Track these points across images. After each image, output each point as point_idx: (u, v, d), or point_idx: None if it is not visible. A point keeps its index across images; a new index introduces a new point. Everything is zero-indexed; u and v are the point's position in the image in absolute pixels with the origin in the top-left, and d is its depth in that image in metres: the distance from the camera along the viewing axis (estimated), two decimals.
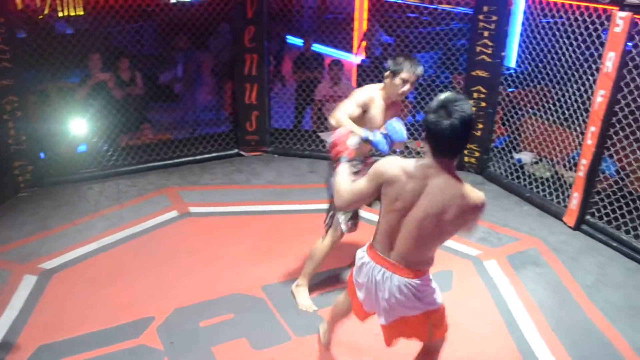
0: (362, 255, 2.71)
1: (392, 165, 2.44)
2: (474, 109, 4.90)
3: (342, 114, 3.50)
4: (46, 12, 5.96)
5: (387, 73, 3.55)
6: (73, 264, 4.32)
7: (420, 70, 3.52)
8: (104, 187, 5.63)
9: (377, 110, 3.63)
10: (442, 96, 2.31)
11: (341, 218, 3.78)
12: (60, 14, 7.97)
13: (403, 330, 2.73)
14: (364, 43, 7.59)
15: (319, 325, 3.51)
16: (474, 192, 2.36)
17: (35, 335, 3.55)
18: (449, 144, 2.30)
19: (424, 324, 2.68)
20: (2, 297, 3.91)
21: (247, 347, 3.50)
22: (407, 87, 3.53)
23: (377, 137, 3.30)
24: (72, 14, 8.68)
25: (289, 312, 3.80)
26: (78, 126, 5.99)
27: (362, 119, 3.59)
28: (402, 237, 2.50)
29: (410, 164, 2.42)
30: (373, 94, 3.64)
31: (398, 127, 3.27)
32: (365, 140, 3.29)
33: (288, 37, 9.71)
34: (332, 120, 3.54)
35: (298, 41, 9.46)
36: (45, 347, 3.45)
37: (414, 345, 2.90)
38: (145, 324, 3.67)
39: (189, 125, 6.93)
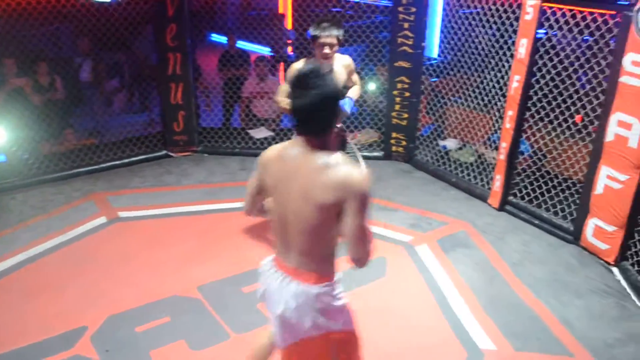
0: (264, 262, 2.44)
1: (268, 150, 2.31)
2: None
3: (277, 97, 4.07)
4: None
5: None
6: None
7: (334, 32, 3.84)
8: (27, 197, 5.41)
9: None
10: (302, 69, 2.16)
11: None
12: None
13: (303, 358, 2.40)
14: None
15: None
16: (346, 167, 2.08)
17: None
18: (310, 120, 2.10)
19: (325, 350, 2.35)
20: None
21: (186, 349, 3.46)
22: (326, 49, 3.89)
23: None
24: None
25: (226, 310, 3.79)
26: None
27: None
28: (291, 231, 2.20)
29: (284, 145, 2.25)
30: (300, 67, 3.84)
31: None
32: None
33: (212, 34, 9.62)
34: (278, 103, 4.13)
35: (222, 39, 9.38)
36: None
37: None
38: (79, 334, 3.57)
39: (114, 128, 6.75)
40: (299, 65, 4.00)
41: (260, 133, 6.62)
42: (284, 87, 4.01)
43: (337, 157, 2.10)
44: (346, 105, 4.13)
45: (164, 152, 6.33)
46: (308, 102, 2.06)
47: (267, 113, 6.74)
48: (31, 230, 4.78)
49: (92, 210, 5.13)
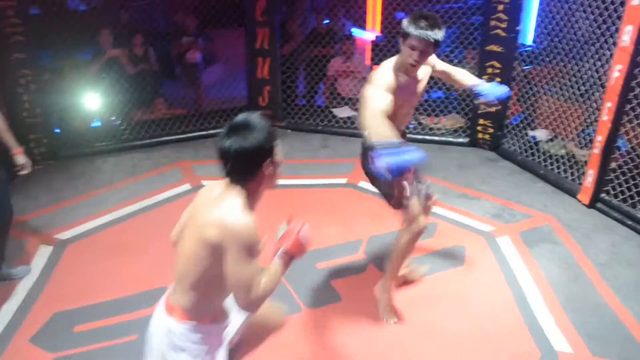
0: None
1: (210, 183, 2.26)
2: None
3: (377, 119, 2.83)
4: None
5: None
6: (87, 235, 4.39)
7: (433, 34, 2.85)
8: (118, 161, 5.68)
9: (402, 87, 3.06)
10: (239, 117, 2.08)
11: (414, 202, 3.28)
12: None
13: None
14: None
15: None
16: (231, 212, 1.98)
17: (50, 302, 3.62)
18: (224, 166, 2.04)
19: None
20: (19, 266, 3.97)
21: None
22: (414, 55, 2.92)
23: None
24: None
25: (299, 284, 3.82)
26: (92, 101, 6.03)
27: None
28: (177, 263, 2.15)
29: (220, 182, 2.14)
30: (392, 72, 3.05)
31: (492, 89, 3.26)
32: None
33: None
34: (366, 132, 2.87)
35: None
36: (61, 315, 3.52)
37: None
38: (159, 294, 3.65)
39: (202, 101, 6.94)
40: (390, 70, 3.05)
41: (343, 112, 6.60)
42: (385, 103, 2.91)
43: (239, 203, 2.02)
44: (489, 92, 3.29)
45: None
46: (225, 148, 1.99)
47: (352, 92, 6.70)
48: (119, 193, 5.02)
49: (177, 177, 5.31)
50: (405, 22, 2.90)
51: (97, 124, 6.20)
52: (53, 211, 4.73)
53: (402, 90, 3.05)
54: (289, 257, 2.20)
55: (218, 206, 2.00)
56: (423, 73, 3.23)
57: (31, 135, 5.42)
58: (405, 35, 2.91)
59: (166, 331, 2.16)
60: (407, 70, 3.05)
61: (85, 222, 4.54)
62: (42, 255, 4.11)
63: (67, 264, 4.03)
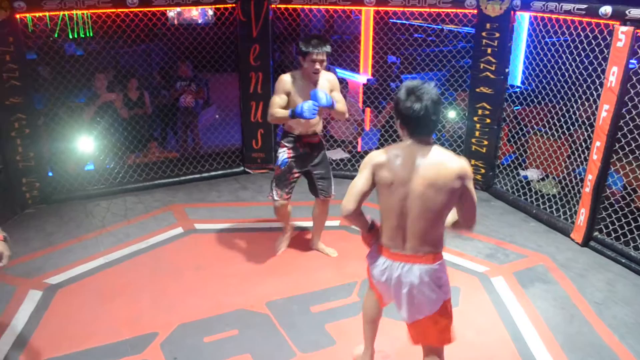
0: (376, 257, 2.78)
1: (378, 153, 2.65)
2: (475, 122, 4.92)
3: (272, 109, 4.11)
4: (51, 37, 6.06)
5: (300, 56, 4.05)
6: (78, 280, 4.33)
7: (325, 48, 3.98)
8: (110, 204, 5.65)
9: (298, 90, 4.11)
10: (407, 84, 2.55)
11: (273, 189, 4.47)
12: (70, 36, 8.10)
13: (425, 332, 2.78)
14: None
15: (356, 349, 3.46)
16: (456, 157, 2.58)
17: (39, 349, 3.54)
18: (425, 123, 2.52)
19: (445, 316, 2.75)
20: (8, 312, 3.91)
21: None
22: (317, 65, 4.02)
23: (297, 108, 3.91)
24: (82, 36, 8.85)
25: (293, 328, 3.77)
26: (85, 145, 6.05)
27: (290, 102, 4.13)
28: (412, 219, 2.58)
29: (393, 146, 2.64)
30: (290, 79, 4.14)
31: (320, 94, 3.90)
32: (292, 116, 3.96)
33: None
34: (269, 119, 4.22)
35: None
36: None
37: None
38: (149, 340, 3.65)
39: (195, 144, 6.98)
40: (287, 77, 4.15)
41: (336, 154, 6.64)
42: (278, 100, 4.10)
43: (445, 151, 2.58)
44: (322, 98, 3.95)
45: (241, 168, 6.47)
46: (428, 107, 2.48)
47: (344, 135, 6.76)
48: (112, 236, 4.98)
49: (170, 221, 5.29)
50: (301, 44, 4.00)
51: (90, 167, 6.21)
52: (44, 255, 4.68)
53: (299, 92, 4.11)
54: None
55: (447, 162, 2.52)
56: (324, 81, 4.18)
57: (24, 179, 5.42)
58: (305, 54, 3.99)
59: (427, 276, 2.64)
60: (308, 77, 4.10)
61: (77, 266, 4.49)
62: (31, 300, 4.05)
63: (57, 309, 3.97)
